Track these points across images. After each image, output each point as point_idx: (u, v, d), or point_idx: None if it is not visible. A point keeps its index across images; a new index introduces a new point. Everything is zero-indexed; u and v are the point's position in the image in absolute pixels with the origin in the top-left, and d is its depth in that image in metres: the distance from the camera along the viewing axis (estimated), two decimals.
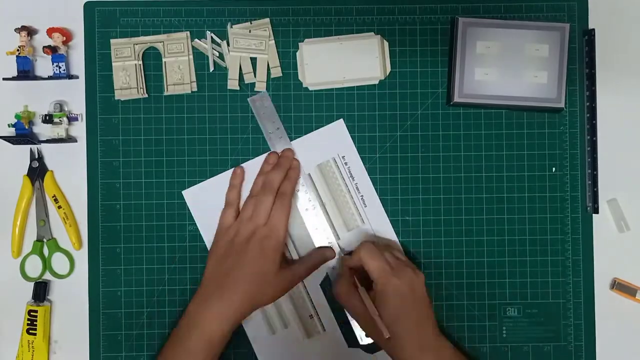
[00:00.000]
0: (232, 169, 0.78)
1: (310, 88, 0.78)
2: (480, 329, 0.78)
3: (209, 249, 0.77)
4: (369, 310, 0.69)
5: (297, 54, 0.78)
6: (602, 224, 0.79)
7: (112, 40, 0.77)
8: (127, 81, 0.77)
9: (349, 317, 0.76)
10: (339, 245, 0.77)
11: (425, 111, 0.78)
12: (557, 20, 0.78)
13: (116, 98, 0.77)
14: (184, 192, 0.78)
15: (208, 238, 0.77)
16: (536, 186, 0.78)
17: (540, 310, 0.78)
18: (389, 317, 0.69)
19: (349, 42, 0.78)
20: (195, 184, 0.78)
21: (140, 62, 0.77)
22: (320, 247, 0.77)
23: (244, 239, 0.73)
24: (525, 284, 0.78)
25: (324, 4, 0.78)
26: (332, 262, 0.77)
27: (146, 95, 0.78)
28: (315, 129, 0.78)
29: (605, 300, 0.78)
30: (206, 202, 0.77)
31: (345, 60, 0.78)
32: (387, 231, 0.78)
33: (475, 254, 0.78)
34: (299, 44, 0.78)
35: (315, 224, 0.77)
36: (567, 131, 0.78)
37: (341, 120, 0.78)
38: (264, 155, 0.78)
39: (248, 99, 0.77)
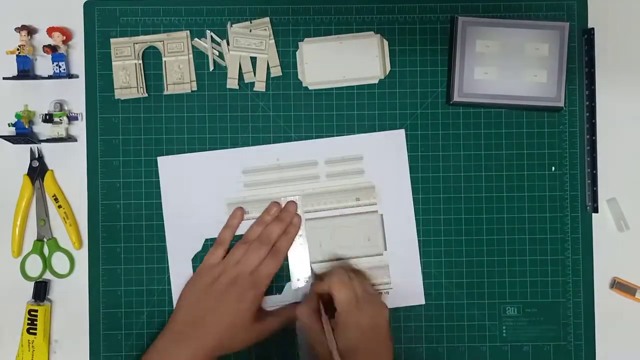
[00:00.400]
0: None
1: (310, 87, 0.78)
2: (480, 329, 0.78)
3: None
4: (327, 339, 0.68)
5: (297, 53, 0.78)
6: (601, 223, 0.79)
7: (112, 40, 0.77)
8: (127, 80, 0.77)
9: (299, 342, 0.75)
10: (312, 269, 0.77)
11: (425, 110, 0.78)
12: (556, 19, 0.78)
13: (116, 97, 0.77)
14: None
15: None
16: (536, 186, 0.78)
17: (540, 309, 0.78)
18: (345, 349, 0.67)
19: (348, 42, 0.78)
20: None
21: (140, 62, 0.77)
22: (296, 304, 0.75)
23: (226, 283, 0.72)
24: (525, 283, 0.78)
25: (323, 4, 0.78)
26: (301, 285, 0.77)
27: (146, 95, 0.78)
28: (315, 129, 0.78)
29: (604, 300, 0.78)
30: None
31: (345, 60, 0.78)
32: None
33: (475, 253, 0.78)
34: (299, 43, 0.78)
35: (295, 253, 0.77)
36: (566, 131, 0.78)
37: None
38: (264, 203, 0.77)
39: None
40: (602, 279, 0.78)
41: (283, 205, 0.77)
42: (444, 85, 0.78)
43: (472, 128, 0.78)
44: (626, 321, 0.78)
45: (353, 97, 0.78)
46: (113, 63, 0.77)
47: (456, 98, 0.76)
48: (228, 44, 0.78)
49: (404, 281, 0.77)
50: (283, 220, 0.76)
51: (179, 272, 0.77)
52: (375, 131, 0.78)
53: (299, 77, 0.78)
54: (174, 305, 0.76)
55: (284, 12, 0.78)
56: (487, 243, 0.78)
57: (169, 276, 0.77)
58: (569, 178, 0.78)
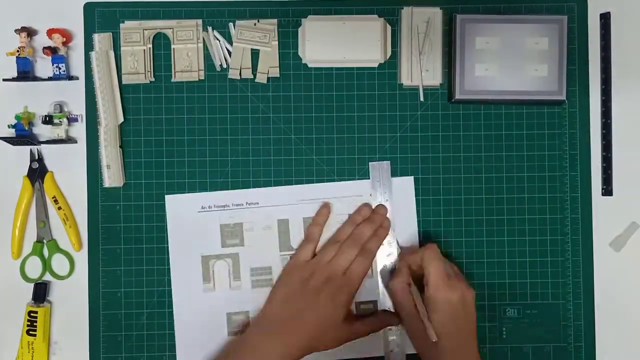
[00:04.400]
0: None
1: (310, 65, 0.78)
2: (480, 330, 0.77)
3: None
4: (419, 310, 0.70)
5: (300, 29, 0.78)
6: (602, 224, 0.78)
7: (122, 25, 0.77)
8: (134, 66, 0.77)
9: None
10: (398, 243, 0.77)
11: (425, 112, 0.78)
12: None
13: (124, 83, 0.77)
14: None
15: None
16: (536, 187, 0.78)
17: (540, 310, 0.78)
18: (437, 323, 0.69)
19: (351, 23, 0.77)
20: (195, 185, 0.78)
21: (150, 46, 0.77)
22: (386, 312, 0.76)
23: (319, 282, 0.72)
24: (525, 284, 0.78)
25: (324, 6, 0.78)
26: (391, 262, 0.77)
27: (153, 79, 0.78)
28: (315, 131, 0.78)
29: (605, 301, 0.78)
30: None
31: (347, 40, 0.77)
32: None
33: (475, 254, 0.78)
34: (302, 20, 0.78)
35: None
36: (566, 132, 0.78)
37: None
38: (345, 197, 0.78)
39: (370, 163, 0.78)
40: (602, 281, 0.78)
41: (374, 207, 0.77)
42: (444, 86, 0.78)
43: (472, 130, 0.78)
44: (626, 322, 0.78)
45: (353, 99, 0.78)
46: (122, 48, 0.77)
47: (458, 95, 0.76)
48: (231, 44, 0.78)
49: None
50: (374, 221, 0.76)
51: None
52: (375, 133, 0.78)
53: (299, 54, 0.78)
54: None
55: (284, 14, 0.78)
56: (487, 244, 0.78)
57: (169, 278, 0.77)
58: (569, 179, 0.78)
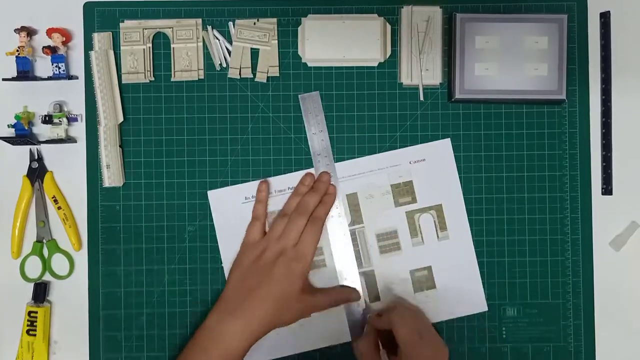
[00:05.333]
0: (260, 180, 0.78)
1: (309, 64, 0.78)
2: (480, 329, 0.78)
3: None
4: None
5: (299, 28, 0.78)
6: (601, 224, 0.78)
7: (122, 24, 0.77)
8: (134, 66, 0.77)
9: None
10: (365, 303, 0.77)
11: (425, 111, 0.78)
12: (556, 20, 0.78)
13: (123, 82, 0.77)
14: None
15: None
16: (536, 187, 0.78)
17: (540, 310, 0.78)
18: None
19: (351, 22, 0.77)
20: (195, 185, 0.78)
21: (149, 46, 0.77)
22: (347, 287, 0.76)
23: (271, 258, 0.73)
24: (525, 284, 0.78)
25: (324, 5, 0.78)
26: (355, 316, 0.76)
27: (152, 79, 0.78)
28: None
29: (605, 301, 0.78)
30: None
31: (347, 39, 0.77)
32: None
33: (476, 254, 0.78)
34: (302, 19, 0.78)
35: (343, 253, 0.77)
36: (566, 131, 0.78)
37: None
38: (295, 175, 0.78)
39: (299, 96, 0.78)
40: (601, 280, 0.78)
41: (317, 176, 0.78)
42: (444, 86, 0.78)
43: (472, 129, 0.78)
44: (626, 322, 0.78)
45: (353, 99, 0.78)
46: (121, 48, 0.77)
47: (458, 95, 0.76)
48: (231, 43, 0.78)
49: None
50: (318, 190, 0.76)
51: None
52: (375, 132, 0.78)
53: (299, 53, 0.78)
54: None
55: (284, 13, 0.78)
56: (487, 244, 0.78)
57: (168, 277, 0.78)
58: (569, 179, 0.78)
